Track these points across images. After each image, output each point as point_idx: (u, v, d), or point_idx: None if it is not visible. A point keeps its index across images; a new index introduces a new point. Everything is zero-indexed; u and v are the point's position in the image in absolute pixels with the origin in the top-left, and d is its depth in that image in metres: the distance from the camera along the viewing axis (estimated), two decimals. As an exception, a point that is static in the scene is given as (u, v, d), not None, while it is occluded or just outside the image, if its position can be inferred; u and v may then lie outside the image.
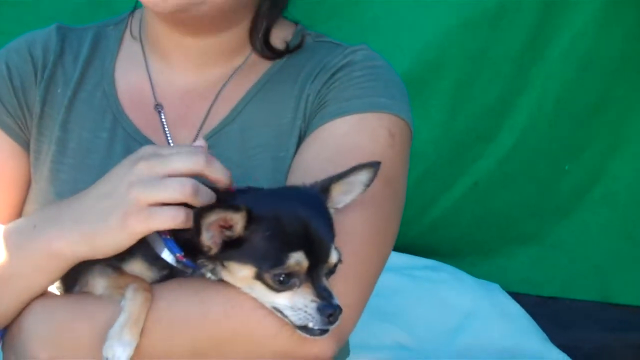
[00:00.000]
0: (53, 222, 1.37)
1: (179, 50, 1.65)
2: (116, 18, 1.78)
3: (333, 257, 1.28)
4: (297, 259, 1.24)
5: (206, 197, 1.29)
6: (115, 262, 1.36)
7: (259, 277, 1.25)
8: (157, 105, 1.63)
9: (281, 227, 1.25)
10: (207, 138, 1.59)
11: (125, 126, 1.61)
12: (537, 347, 2.74)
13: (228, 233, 1.25)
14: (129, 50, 1.72)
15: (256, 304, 1.29)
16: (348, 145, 1.51)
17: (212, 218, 1.23)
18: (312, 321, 1.24)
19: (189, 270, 1.35)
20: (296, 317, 1.25)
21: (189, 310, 1.33)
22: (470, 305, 2.84)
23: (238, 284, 1.29)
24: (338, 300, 1.26)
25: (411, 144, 1.62)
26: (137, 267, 1.36)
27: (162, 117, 1.63)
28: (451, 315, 2.80)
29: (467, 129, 2.92)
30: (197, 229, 1.24)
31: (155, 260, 1.35)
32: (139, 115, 1.63)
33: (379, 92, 1.57)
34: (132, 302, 1.30)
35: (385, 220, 1.51)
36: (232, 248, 1.26)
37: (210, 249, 1.26)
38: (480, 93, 2.89)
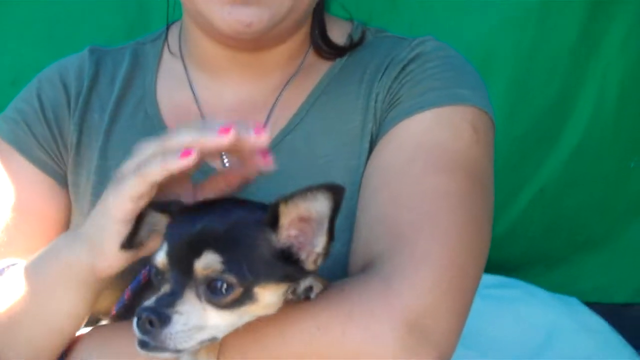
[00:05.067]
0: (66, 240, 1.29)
1: (232, 66, 1.50)
2: (153, 34, 1.65)
3: (198, 265, 1.06)
4: (157, 257, 1.11)
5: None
6: None
7: None
8: None
9: (168, 232, 1.14)
10: None
11: None
12: (628, 362, 2.52)
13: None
14: (168, 67, 1.59)
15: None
16: (429, 143, 1.35)
17: None
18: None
19: None
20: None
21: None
22: (550, 323, 2.62)
23: None
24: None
25: (494, 137, 1.47)
26: None
27: None
28: (531, 335, 2.58)
29: (527, 132, 2.73)
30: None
31: None
32: None
33: (457, 82, 1.42)
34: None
35: (479, 222, 1.34)
36: None
37: None
38: (537, 93, 2.71)
